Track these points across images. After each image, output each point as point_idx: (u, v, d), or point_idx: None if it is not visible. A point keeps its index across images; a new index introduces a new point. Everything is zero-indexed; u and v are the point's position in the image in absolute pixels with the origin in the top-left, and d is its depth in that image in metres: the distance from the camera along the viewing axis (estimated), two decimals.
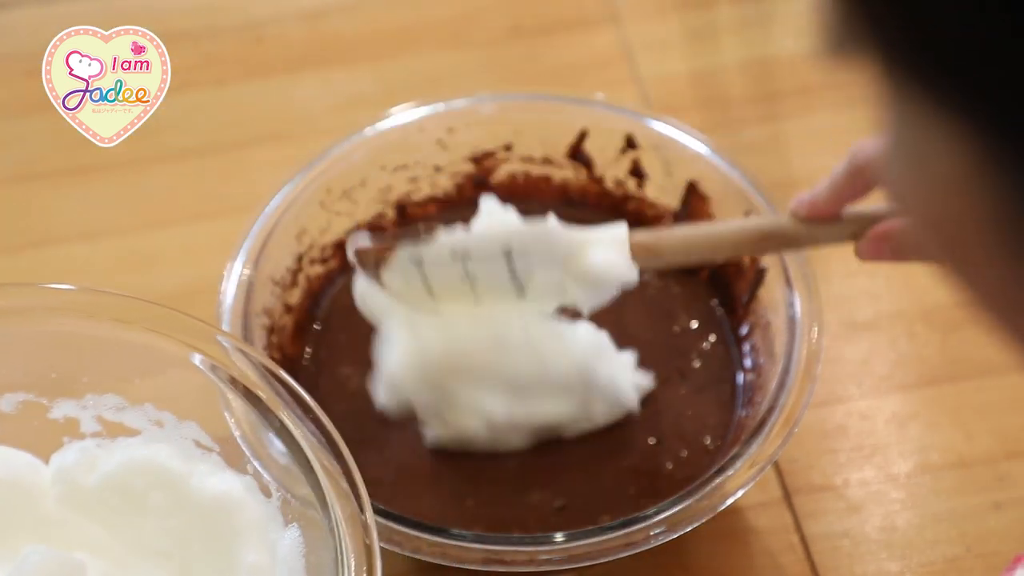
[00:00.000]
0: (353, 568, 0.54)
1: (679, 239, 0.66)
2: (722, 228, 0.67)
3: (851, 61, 0.31)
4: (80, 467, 0.63)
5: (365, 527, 0.55)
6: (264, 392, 0.60)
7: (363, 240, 0.68)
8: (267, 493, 0.61)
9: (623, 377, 0.72)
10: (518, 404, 0.71)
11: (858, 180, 0.62)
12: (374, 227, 0.83)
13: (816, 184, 0.64)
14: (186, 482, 0.62)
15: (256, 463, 0.61)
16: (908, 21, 0.29)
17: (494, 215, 0.70)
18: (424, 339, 0.70)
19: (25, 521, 0.63)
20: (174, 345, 0.62)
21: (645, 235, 0.66)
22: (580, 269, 0.65)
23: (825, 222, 0.64)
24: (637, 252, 0.65)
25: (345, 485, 0.56)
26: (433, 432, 0.72)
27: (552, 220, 0.67)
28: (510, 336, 0.70)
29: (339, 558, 0.54)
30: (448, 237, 0.65)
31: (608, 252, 0.65)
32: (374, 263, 0.67)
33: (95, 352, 0.64)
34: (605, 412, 0.72)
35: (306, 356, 0.78)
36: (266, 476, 0.61)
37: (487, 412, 0.71)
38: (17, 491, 0.63)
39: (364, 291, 0.69)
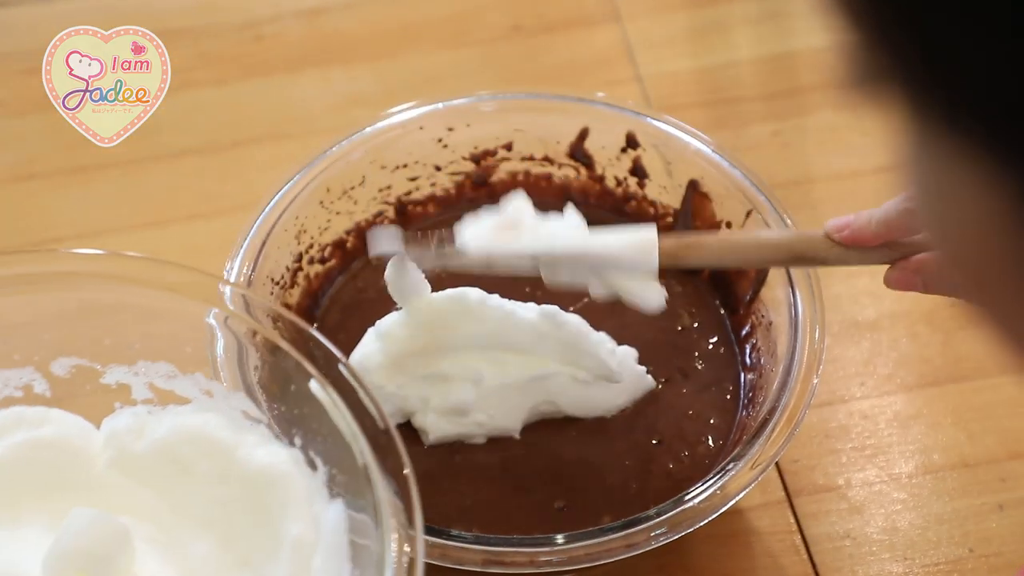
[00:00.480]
0: (395, 542, 0.54)
1: (708, 249, 0.65)
2: (753, 241, 0.66)
3: (875, 98, 0.30)
4: (130, 433, 0.64)
5: (409, 504, 0.55)
6: (315, 371, 0.60)
7: (387, 243, 0.67)
8: (313, 466, 0.61)
9: (597, 336, 0.72)
10: (498, 365, 0.71)
11: (913, 218, 0.61)
12: (374, 226, 0.83)
13: (858, 212, 0.63)
14: (234, 452, 0.62)
15: (300, 439, 0.61)
16: (939, 61, 0.28)
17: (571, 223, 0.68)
18: (388, 334, 0.71)
19: (74, 483, 0.64)
20: (227, 317, 0.63)
21: (675, 242, 0.65)
22: (608, 283, 0.65)
23: (860, 249, 0.63)
24: (665, 258, 0.64)
25: (390, 464, 0.56)
26: (429, 425, 0.72)
27: (575, 223, 0.66)
28: (468, 300, 0.71)
29: (382, 533, 0.54)
30: (478, 252, 0.65)
31: (640, 284, 0.65)
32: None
33: (148, 320, 0.65)
34: (592, 372, 0.72)
35: None
36: (312, 451, 0.61)
37: (470, 374, 0.71)
38: (68, 453, 0.64)
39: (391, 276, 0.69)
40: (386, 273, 0.70)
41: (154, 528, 0.63)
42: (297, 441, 0.62)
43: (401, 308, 0.71)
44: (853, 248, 0.63)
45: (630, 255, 0.64)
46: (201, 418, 0.63)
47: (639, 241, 0.64)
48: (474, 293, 0.71)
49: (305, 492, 0.60)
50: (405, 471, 0.56)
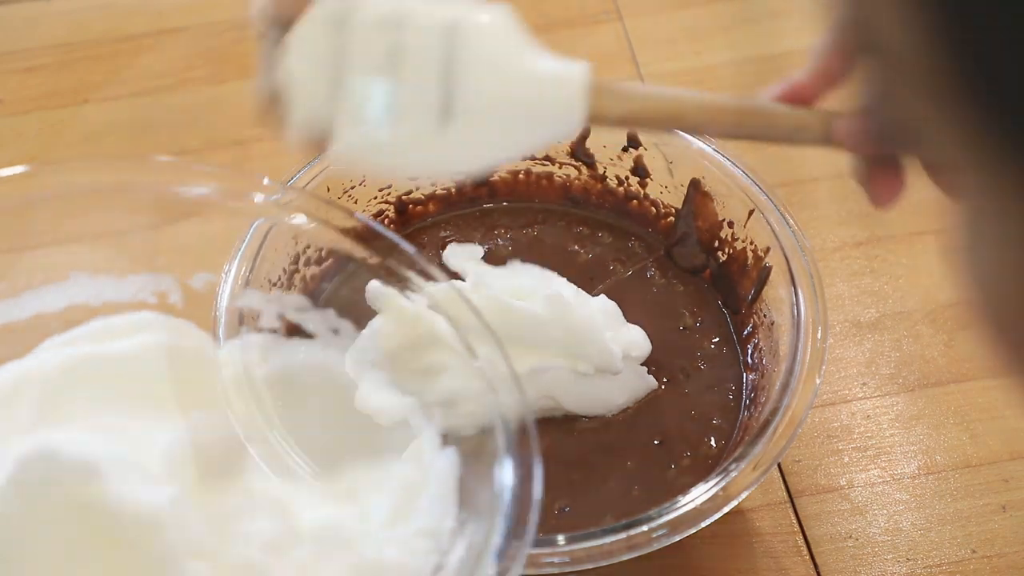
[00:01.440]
0: (510, 492, 0.53)
1: (644, 91, 0.60)
2: (693, 94, 0.60)
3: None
4: (254, 356, 0.64)
5: (527, 446, 0.54)
6: (457, 336, 0.60)
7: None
8: (429, 415, 0.61)
9: (603, 336, 0.72)
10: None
11: (845, 52, 0.56)
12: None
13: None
14: (352, 392, 0.63)
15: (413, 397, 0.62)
16: (995, 82, 0.26)
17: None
18: (380, 331, 0.70)
19: (197, 392, 0.64)
20: (367, 257, 0.63)
21: (608, 79, 0.59)
22: (525, 71, 0.57)
23: (802, 105, 0.59)
24: (595, 89, 0.57)
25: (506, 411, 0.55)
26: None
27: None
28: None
29: (496, 482, 0.54)
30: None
31: (562, 67, 0.57)
32: (286, 18, 0.56)
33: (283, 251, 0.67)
34: (595, 364, 0.71)
35: None
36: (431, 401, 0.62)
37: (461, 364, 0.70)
38: (191, 364, 0.64)
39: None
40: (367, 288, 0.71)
41: (266, 451, 0.64)
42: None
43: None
44: (799, 107, 0.58)
45: (552, 80, 0.57)
46: (324, 354, 0.64)
47: (571, 65, 0.57)
48: (459, 284, 0.71)
49: (419, 438, 0.60)
50: (534, 466, 0.54)
